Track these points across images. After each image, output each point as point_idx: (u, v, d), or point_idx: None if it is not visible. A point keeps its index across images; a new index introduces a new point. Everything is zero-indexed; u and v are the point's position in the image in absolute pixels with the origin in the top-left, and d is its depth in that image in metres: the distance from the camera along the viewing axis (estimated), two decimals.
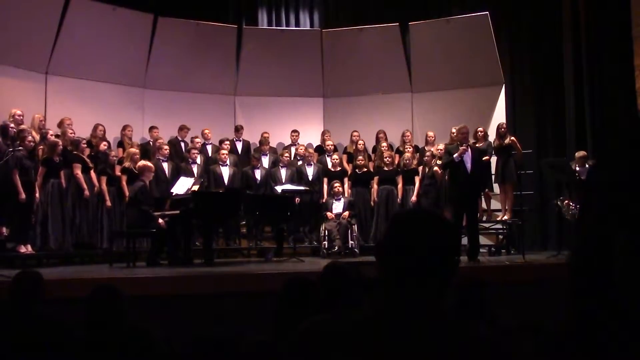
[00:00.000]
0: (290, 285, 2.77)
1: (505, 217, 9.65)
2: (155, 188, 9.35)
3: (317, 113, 12.37)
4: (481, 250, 8.47)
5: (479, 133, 9.90)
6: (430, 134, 10.71)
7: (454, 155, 7.83)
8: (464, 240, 7.92)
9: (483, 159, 8.71)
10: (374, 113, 11.91)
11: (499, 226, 9.99)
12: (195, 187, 8.25)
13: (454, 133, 9.78)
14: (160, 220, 8.00)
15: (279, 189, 9.56)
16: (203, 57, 11.56)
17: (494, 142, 9.81)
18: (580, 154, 8.79)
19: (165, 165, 9.77)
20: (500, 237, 9.99)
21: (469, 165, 7.79)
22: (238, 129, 11.28)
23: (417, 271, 1.34)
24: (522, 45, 11.26)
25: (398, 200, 9.94)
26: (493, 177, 9.94)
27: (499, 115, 11.06)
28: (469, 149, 7.87)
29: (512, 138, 9.62)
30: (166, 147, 9.92)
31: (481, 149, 8.89)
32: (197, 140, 10.51)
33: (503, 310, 3.89)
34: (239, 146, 11.18)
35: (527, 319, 2.88)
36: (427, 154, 10.04)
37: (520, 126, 10.95)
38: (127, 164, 9.15)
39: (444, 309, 1.34)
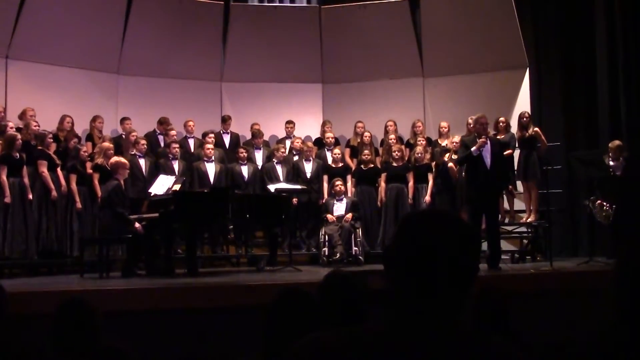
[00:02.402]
0: (281, 298, 2.76)
1: (530, 219, 9.64)
2: (131, 188, 9.34)
3: (316, 101, 12.37)
4: (503, 256, 8.47)
5: (501, 124, 9.90)
6: (444, 124, 10.70)
7: (472, 149, 7.80)
8: (484, 246, 7.92)
9: (505, 153, 8.71)
10: (381, 101, 11.91)
11: (522, 229, 9.98)
12: (177, 187, 8.24)
13: (470, 124, 9.76)
14: (137, 225, 7.99)
15: (272, 188, 9.54)
16: (185, 39, 11.56)
17: (516, 133, 9.81)
18: (615, 143, 8.77)
19: (142, 162, 9.76)
20: (525, 241, 9.99)
21: (488, 160, 7.78)
22: (225, 120, 11.27)
23: (431, 281, 1.33)
24: (548, 23, 11.23)
25: (409, 200, 9.94)
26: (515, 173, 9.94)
27: (523, 102, 11.06)
28: (489, 142, 7.86)
29: (536, 129, 9.60)
30: (143, 141, 9.91)
31: (502, 141, 8.88)
32: (173, 133, 10.50)
33: (527, 324, 3.89)
34: (226, 139, 11.18)
35: (554, 335, 2.88)
36: (441, 147, 10.04)
37: (546, 115, 10.93)
38: (99, 160, 9.13)
39: (460, 323, 1.34)
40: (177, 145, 10.08)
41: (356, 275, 3.19)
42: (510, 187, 9.75)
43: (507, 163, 9.00)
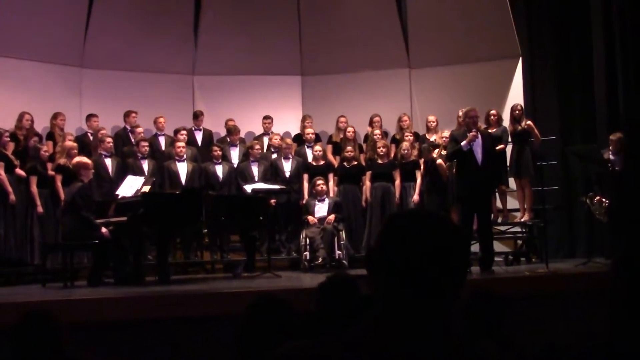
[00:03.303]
0: (255, 306, 2.75)
1: (524, 219, 9.71)
2: (97, 190, 9.29)
3: (295, 95, 12.38)
4: (496, 258, 8.53)
5: (492, 117, 9.95)
6: (432, 118, 10.74)
7: (462, 144, 7.86)
8: (475, 247, 7.96)
9: (497, 148, 8.77)
10: (364, 94, 11.93)
11: (516, 229, 10.05)
12: (146, 188, 8.21)
13: (461, 117, 9.80)
14: (104, 230, 7.94)
15: (248, 188, 9.53)
16: (154, 29, 11.52)
17: (508, 127, 9.87)
18: (616, 136, 8.84)
19: (108, 162, 9.72)
20: (519, 242, 10.06)
21: (479, 155, 7.83)
22: (197, 116, 11.24)
23: (417, 285, 1.34)
24: (542, 10, 11.30)
25: (396, 199, 9.97)
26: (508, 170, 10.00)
27: (515, 94, 11.14)
28: (480, 136, 7.91)
29: (529, 122, 9.67)
30: (109, 139, 9.87)
31: (494, 135, 8.94)
32: (139, 130, 10.47)
33: (522, 329, 3.92)
34: (199, 137, 11.16)
35: (550, 341, 2.90)
36: (430, 142, 10.07)
37: (540, 107, 11.01)
38: (61, 160, 9.08)
39: (449, 329, 1.34)
40: (146, 144, 10.03)
41: (361, 279, 3.19)
42: (502, 187, 9.82)
43: (499, 159, 9.05)
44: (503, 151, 9.62)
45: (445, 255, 1.35)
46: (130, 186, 8.48)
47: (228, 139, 10.93)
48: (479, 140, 7.87)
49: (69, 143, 9.36)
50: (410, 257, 1.34)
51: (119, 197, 8.44)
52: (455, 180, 8.76)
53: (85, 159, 8.54)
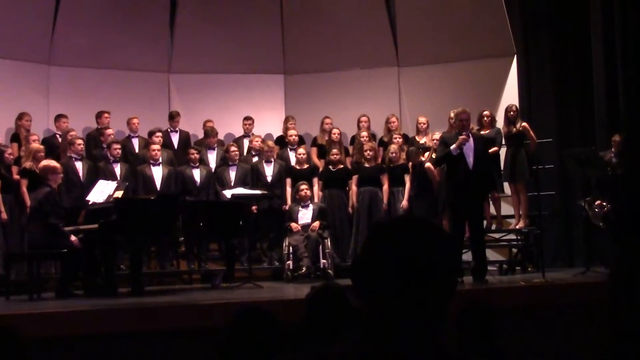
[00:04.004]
0: (239, 319, 2.75)
1: (519, 225, 9.74)
2: (66, 195, 9.26)
3: (277, 94, 12.37)
4: (490, 268, 8.55)
5: (485, 118, 9.99)
6: (422, 119, 10.76)
7: (452, 147, 7.90)
8: (467, 256, 7.99)
9: (490, 150, 8.80)
10: (351, 94, 11.95)
11: (511, 237, 10.08)
12: (119, 193, 8.18)
13: (452, 118, 9.84)
14: (73, 238, 7.90)
15: (227, 193, 9.52)
16: (127, 24, 11.49)
17: (502, 129, 9.91)
18: (618, 137, 8.89)
19: (78, 166, 9.68)
20: (514, 250, 10.09)
21: (470, 159, 7.86)
22: (173, 117, 11.21)
23: (405, 296, 1.34)
24: (538, 5, 11.34)
25: (383, 205, 9.98)
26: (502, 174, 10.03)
27: (510, 94, 11.17)
28: (472, 139, 7.94)
29: (524, 124, 9.72)
30: (79, 141, 9.82)
31: (487, 137, 8.97)
32: (109, 132, 10.44)
33: (517, 343, 3.93)
34: (175, 139, 11.13)
35: (547, 355, 2.92)
36: (420, 145, 10.10)
37: (536, 108, 11.05)
38: (27, 164, 9.02)
39: (440, 342, 1.34)
40: (119, 146, 10.00)
41: (348, 290, 3.20)
42: (495, 194, 9.85)
43: (491, 163, 9.07)
44: (497, 154, 9.66)
45: (434, 264, 1.36)
46: (101, 191, 8.45)
47: (206, 142, 10.90)
48: (471, 143, 7.90)
49: (35, 145, 9.31)
50: (397, 267, 1.34)
51: (90, 203, 8.41)
52: (444, 185, 8.79)
53: (53, 163, 8.48)
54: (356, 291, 1.39)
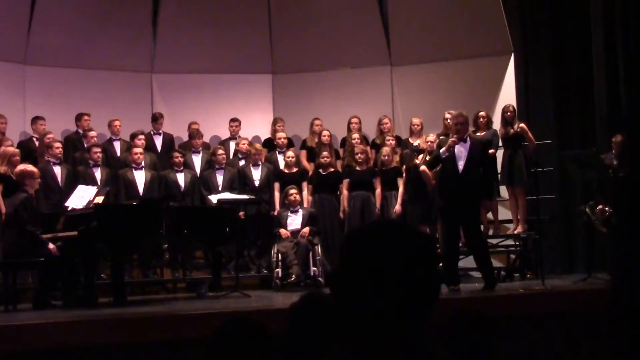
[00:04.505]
0: (225, 329, 2.75)
1: (518, 231, 9.76)
2: (44, 201, 9.23)
3: (265, 95, 12.37)
4: None
5: (481, 119, 10.00)
6: (416, 121, 10.79)
7: (441, 150, 7.98)
8: (463, 263, 8.01)
9: (489, 151, 8.84)
10: (341, 94, 11.97)
11: (509, 242, 10.10)
12: (99, 199, 8.16)
13: (447, 120, 9.87)
14: (52, 246, 7.87)
15: (213, 198, 9.51)
16: (107, 21, 11.46)
17: (499, 130, 9.93)
18: (619, 137, 8.93)
19: (57, 170, 9.65)
20: (512, 256, 10.11)
21: (461, 163, 7.89)
22: (156, 119, 11.20)
23: (383, 306, 1.35)
24: (537, 1, 11.36)
25: (376, 210, 9.99)
26: (499, 177, 10.04)
27: (507, 94, 11.19)
28: (469, 141, 7.96)
29: (522, 125, 9.75)
30: (58, 144, 9.80)
31: (484, 140, 8.99)
32: (92, 134, 10.42)
33: (515, 353, 3.94)
34: (158, 142, 11.12)
35: None
36: (413, 147, 10.12)
37: (534, 109, 11.07)
38: (2, 168, 8.97)
39: (424, 349, 1.35)
40: (99, 150, 9.97)
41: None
42: (489, 201, 9.76)
43: (490, 168, 9.01)
44: (493, 157, 9.67)
45: (411, 270, 1.37)
46: (81, 197, 8.42)
47: (191, 144, 10.89)
48: (467, 145, 7.92)
49: (10, 149, 9.25)
50: (372, 277, 1.36)
51: (69, 209, 8.38)
52: (435, 190, 8.86)
53: (30, 167, 8.46)
54: (336, 301, 1.40)
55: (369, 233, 1.43)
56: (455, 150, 7.94)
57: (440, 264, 9.28)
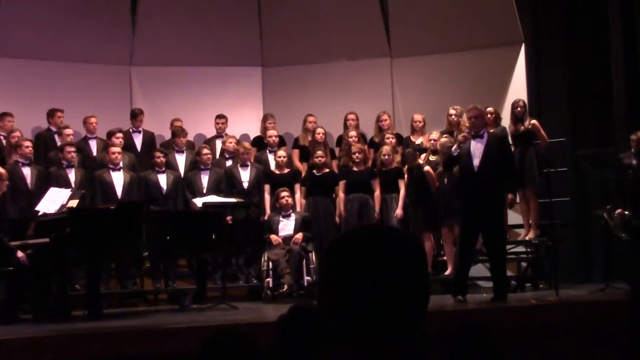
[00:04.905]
0: (212, 344, 2.74)
1: (529, 236, 9.76)
2: (12, 205, 9.23)
3: (254, 89, 12.39)
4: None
5: (488, 115, 9.99)
6: (418, 117, 10.78)
7: (452, 148, 7.98)
8: (475, 272, 7.99)
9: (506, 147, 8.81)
10: (337, 88, 11.98)
11: (520, 249, 10.10)
12: (73, 203, 8.14)
13: (452, 116, 9.88)
14: (21, 254, 7.83)
15: (198, 202, 9.50)
16: (82, 10, 11.43)
17: (509, 127, 9.92)
18: (638, 135, 8.92)
19: (26, 171, 9.64)
20: (523, 264, 10.10)
21: (476, 161, 7.85)
22: (136, 115, 11.18)
23: (374, 313, 1.36)
24: None
25: (375, 214, 9.99)
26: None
27: (517, 88, 11.21)
28: (485, 136, 7.89)
29: (534, 121, 9.75)
30: (28, 143, 9.78)
31: (501, 135, 8.94)
32: (68, 132, 10.40)
33: None
34: (138, 140, 11.11)
35: None
36: (415, 146, 10.12)
37: (546, 104, 11.08)
38: None
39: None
40: (73, 149, 9.96)
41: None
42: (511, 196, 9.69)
43: (511, 164, 8.70)
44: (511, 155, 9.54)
45: (401, 276, 1.39)
46: (53, 200, 8.40)
47: (173, 143, 10.87)
48: (483, 141, 7.88)
49: None
50: (360, 283, 1.37)
51: (40, 214, 8.35)
52: (444, 190, 8.94)
53: None
54: (323, 311, 1.42)
55: (353, 239, 1.45)
56: (471, 147, 7.90)
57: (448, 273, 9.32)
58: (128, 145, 10.75)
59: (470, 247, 7.92)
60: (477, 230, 7.90)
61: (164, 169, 10.26)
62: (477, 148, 7.89)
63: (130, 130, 11.09)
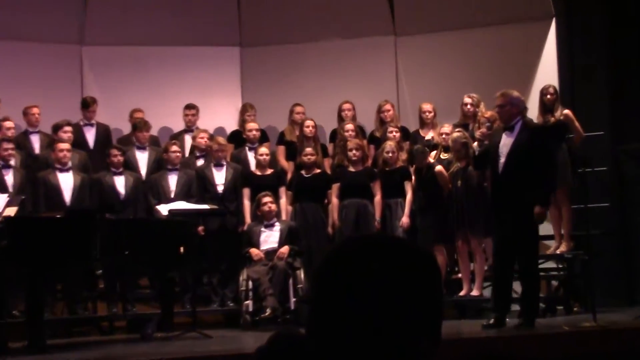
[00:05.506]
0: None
1: (561, 249, 9.75)
2: None
3: (231, 75, 12.43)
4: (518, 307, 8.54)
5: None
6: (427, 107, 10.78)
7: (474, 145, 8.00)
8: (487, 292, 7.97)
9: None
10: (330, 73, 11.97)
11: (550, 265, 10.10)
12: (11, 211, 8.11)
13: (467, 105, 9.88)
14: None
15: (163, 209, 9.48)
16: None
17: (537, 118, 9.92)
18: None
19: None
20: (554, 283, 10.10)
21: (502, 160, 7.81)
22: (88, 105, 11.15)
23: (374, 341, 1.38)
24: None
25: (375, 222, 9.99)
26: None
27: (546, 71, 11.22)
28: (517, 128, 7.82)
29: (566, 111, 9.75)
30: None
31: (539, 126, 8.93)
32: (9, 124, 10.39)
33: None
34: (90, 135, 11.10)
35: None
36: (425, 141, 10.12)
37: (581, 91, 11.10)
38: None
39: None
40: (12, 145, 9.94)
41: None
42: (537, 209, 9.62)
43: (544, 161, 8.45)
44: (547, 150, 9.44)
45: (407, 298, 1.39)
46: None
47: (134, 139, 10.86)
48: (513, 135, 7.82)
49: None
50: (358, 306, 1.38)
51: None
52: (456, 194, 9.12)
53: None
54: (313, 344, 1.48)
55: (350, 253, 1.46)
56: (501, 143, 7.89)
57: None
58: (78, 141, 10.71)
59: (501, 257, 7.95)
60: (507, 240, 7.88)
61: (121, 169, 10.25)
62: (505, 144, 7.85)
63: (81, 122, 11.06)
